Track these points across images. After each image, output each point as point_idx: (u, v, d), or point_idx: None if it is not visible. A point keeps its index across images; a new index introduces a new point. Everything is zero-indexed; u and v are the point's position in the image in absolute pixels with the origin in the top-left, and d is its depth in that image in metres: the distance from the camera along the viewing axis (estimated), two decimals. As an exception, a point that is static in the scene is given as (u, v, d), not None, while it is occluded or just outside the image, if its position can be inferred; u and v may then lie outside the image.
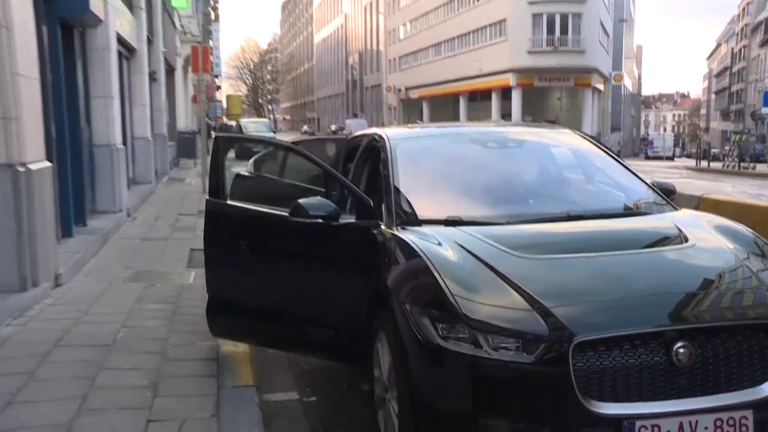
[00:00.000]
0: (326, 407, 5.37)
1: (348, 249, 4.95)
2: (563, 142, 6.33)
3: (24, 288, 7.49)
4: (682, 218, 5.02)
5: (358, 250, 4.87)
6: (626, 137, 76.23)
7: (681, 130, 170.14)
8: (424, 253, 4.23)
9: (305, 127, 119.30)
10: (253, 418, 4.67)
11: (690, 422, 3.63)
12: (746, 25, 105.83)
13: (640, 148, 52.62)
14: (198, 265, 8.69)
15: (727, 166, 39.97)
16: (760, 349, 3.84)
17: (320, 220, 4.85)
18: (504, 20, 60.72)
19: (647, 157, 63.66)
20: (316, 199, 5.00)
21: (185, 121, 34.76)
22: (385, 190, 5.14)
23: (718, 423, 3.67)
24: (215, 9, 60.73)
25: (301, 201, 4.91)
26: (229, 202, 5.77)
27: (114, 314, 7.04)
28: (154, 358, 5.76)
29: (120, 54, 16.31)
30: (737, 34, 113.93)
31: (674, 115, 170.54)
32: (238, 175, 6.36)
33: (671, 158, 63.95)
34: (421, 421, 3.92)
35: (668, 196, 5.58)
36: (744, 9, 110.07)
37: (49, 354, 5.83)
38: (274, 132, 50.49)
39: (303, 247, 5.23)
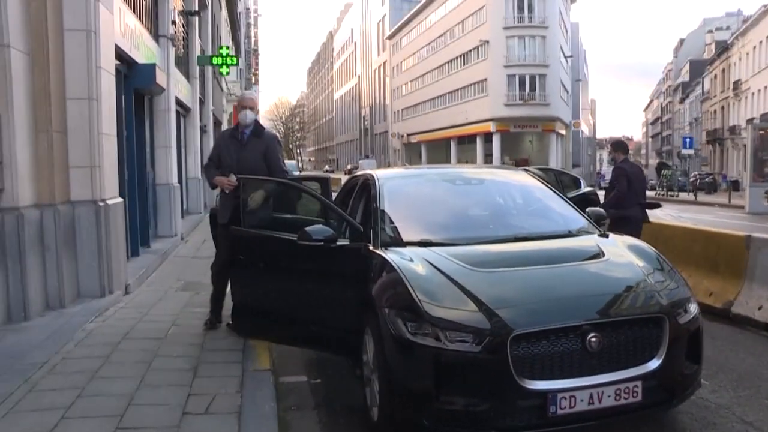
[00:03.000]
0: (327, 387, 5.41)
1: (343, 265, 4.95)
2: (516, 180, 6.27)
3: (103, 294, 7.72)
4: (603, 239, 5.04)
5: (350, 265, 4.87)
6: (585, 171, 76.21)
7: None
8: (399, 268, 4.30)
9: (326, 167, 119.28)
10: (269, 394, 4.76)
11: (598, 393, 3.80)
12: (669, 86, 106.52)
13: (595, 180, 53.27)
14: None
15: (659, 194, 40.44)
16: (649, 336, 4.02)
17: (321, 243, 4.90)
18: (485, 80, 60.88)
19: (600, 188, 63.66)
20: (318, 226, 5.00)
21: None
22: (373, 218, 5.14)
23: (618, 392, 3.84)
24: (255, 75, 61.26)
25: (306, 228, 4.94)
26: (248, 229, 5.75)
27: (167, 315, 7.18)
28: (195, 348, 5.88)
29: (178, 113, 16.54)
30: (663, 93, 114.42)
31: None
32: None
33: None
34: (396, 397, 4.01)
35: (600, 221, 5.55)
36: (667, 74, 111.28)
37: (119, 344, 6.00)
38: (300, 171, 50.34)
39: (308, 264, 5.19)
